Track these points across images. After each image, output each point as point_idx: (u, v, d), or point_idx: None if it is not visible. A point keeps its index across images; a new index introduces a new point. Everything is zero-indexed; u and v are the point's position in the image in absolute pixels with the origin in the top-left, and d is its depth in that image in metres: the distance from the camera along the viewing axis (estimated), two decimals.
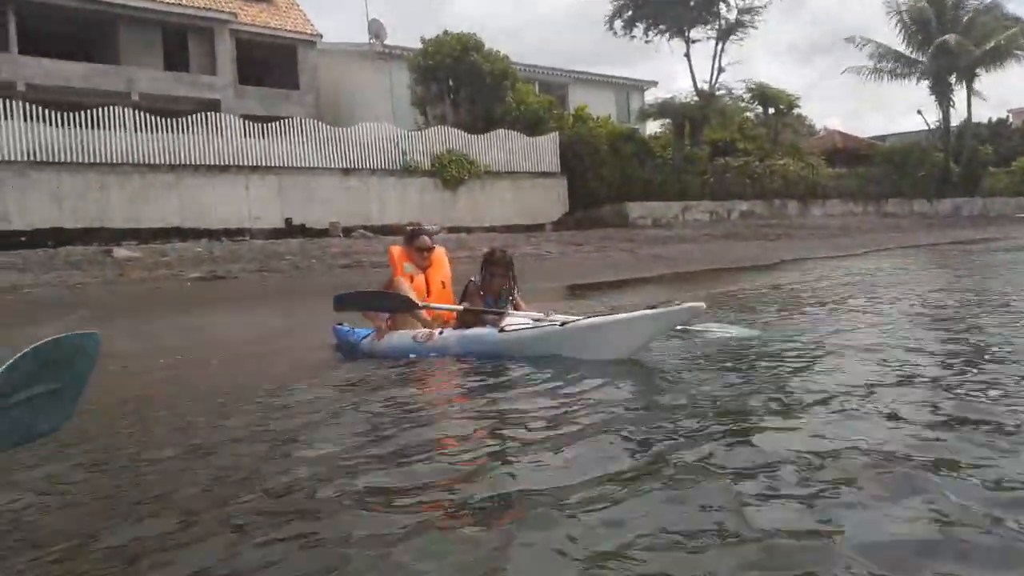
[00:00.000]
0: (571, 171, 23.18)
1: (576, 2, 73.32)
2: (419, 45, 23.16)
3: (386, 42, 25.36)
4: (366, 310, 5.50)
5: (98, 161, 16.24)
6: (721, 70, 26.90)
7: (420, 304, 5.04)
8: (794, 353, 4.28)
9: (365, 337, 5.37)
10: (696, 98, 26.82)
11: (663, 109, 27.37)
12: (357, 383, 4.23)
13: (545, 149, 23.00)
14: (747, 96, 29.15)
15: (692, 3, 25.95)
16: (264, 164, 18.26)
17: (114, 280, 11.78)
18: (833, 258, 16.43)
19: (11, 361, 1.04)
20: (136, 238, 15.64)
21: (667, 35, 26.84)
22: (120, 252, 13.87)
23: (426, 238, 5.43)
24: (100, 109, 16.56)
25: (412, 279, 5.35)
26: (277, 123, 18.94)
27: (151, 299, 10.59)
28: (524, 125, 23.23)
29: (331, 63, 25.91)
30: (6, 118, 15.44)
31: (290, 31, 25.05)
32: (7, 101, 15.71)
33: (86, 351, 1.22)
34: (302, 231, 17.73)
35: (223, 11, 23.02)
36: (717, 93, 27.17)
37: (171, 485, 2.55)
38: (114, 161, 16.41)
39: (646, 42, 27.13)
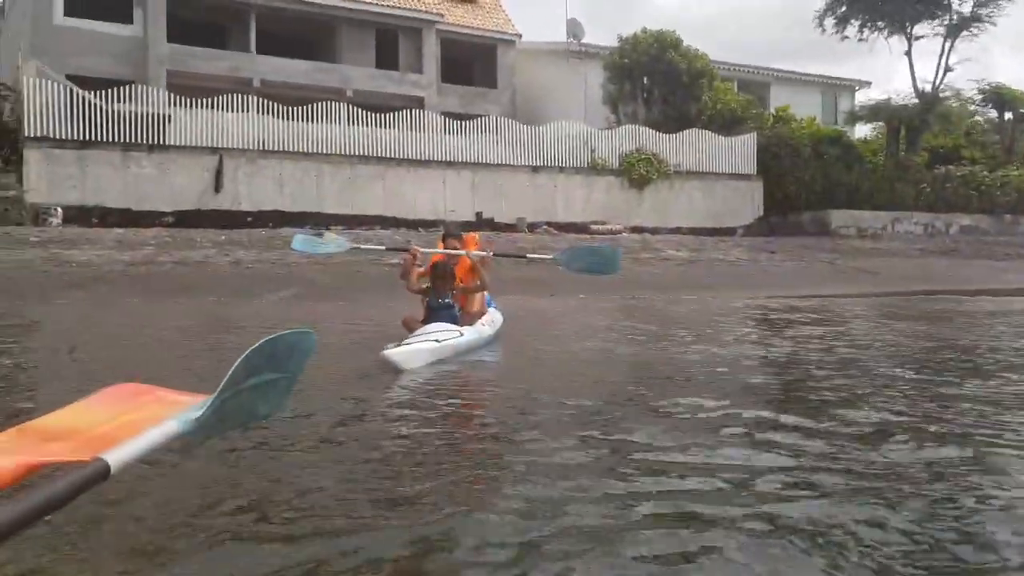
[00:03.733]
0: (768, 174, 22.02)
1: None
2: (614, 43, 23.04)
3: (583, 41, 25.48)
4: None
5: (315, 152, 17.78)
6: (948, 69, 24.21)
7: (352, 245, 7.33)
8: None
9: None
10: (916, 100, 24.41)
11: (876, 111, 25.19)
12: None
13: (741, 150, 22.02)
14: (978, 98, 26.14)
15: None
16: (460, 160, 19.06)
17: (323, 262, 12.79)
18: None
19: (247, 352, 1.23)
20: (344, 223, 16.91)
21: (885, 32, 24.66)
22: (328, 236, 15.02)
23: (452, 239, 6.58)
24: (319, 104, 18.11)
25: None
26: (474, 121, 19.69)
27: (354, 280, 11.39)
28: (720, 124, 22.39)
29: (528, 61, 26.46)
30: (243, 111, 17.34)
31: (491, 31, 25.88)
32: (245, 96, 17.64)
33: (304, 347, 1.41)
34: (491, 225, 18.28)
35: (431, 12, 24.25)
36: (941, 95, 24.54)
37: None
38: (329, 152, 17.88)
39: (860, 40, 25.10)
